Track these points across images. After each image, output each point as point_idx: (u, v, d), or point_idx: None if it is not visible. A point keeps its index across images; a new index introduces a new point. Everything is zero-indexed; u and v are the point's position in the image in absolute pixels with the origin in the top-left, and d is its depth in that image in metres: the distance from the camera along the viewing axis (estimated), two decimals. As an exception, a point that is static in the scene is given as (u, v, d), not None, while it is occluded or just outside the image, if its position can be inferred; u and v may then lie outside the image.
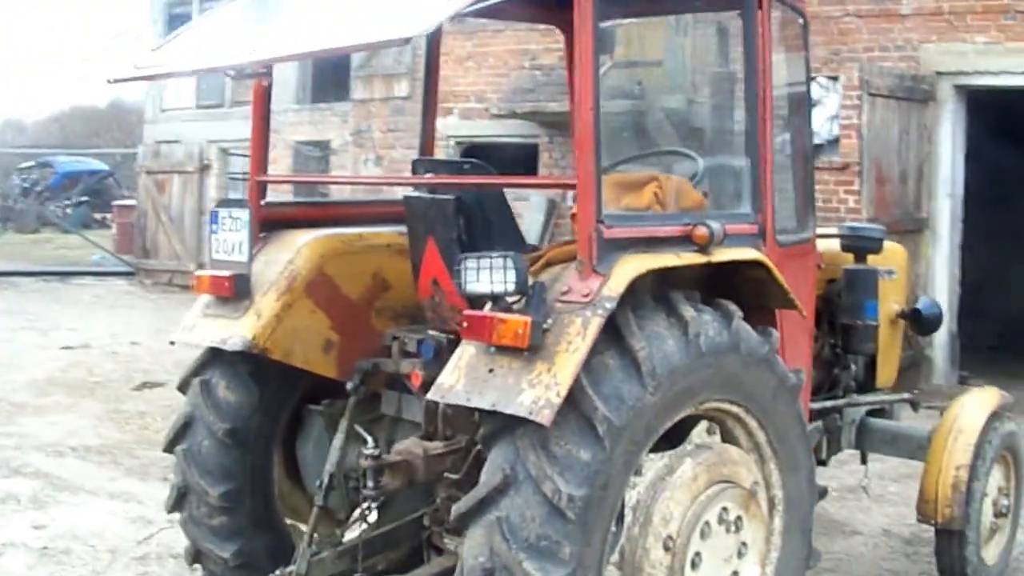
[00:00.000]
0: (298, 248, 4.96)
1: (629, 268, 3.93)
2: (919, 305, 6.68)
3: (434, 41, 5.84)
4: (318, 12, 4.41)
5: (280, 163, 20.37)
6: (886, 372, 6.67)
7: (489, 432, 3.94)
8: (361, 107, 18.69)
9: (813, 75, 13.81)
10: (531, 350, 3.78)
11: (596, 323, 3.79)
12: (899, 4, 13.03)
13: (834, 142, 13.67)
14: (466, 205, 4.59)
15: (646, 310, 4.03)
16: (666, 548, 4.06)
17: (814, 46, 13.89)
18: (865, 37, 13.06)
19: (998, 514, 6.20)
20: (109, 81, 4.70)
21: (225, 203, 5.01)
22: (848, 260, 6.24)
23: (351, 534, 5.33)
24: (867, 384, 6.55)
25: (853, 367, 6.41)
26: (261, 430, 5.09)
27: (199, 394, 5.03)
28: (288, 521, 5.35)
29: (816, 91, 13.94)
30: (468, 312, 3.95)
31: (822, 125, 13.88)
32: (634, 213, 4.40)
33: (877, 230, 6.36)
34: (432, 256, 4.72)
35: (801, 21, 5.33)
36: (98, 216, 34.13)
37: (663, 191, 4.56)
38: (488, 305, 4.00)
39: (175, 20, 22.84)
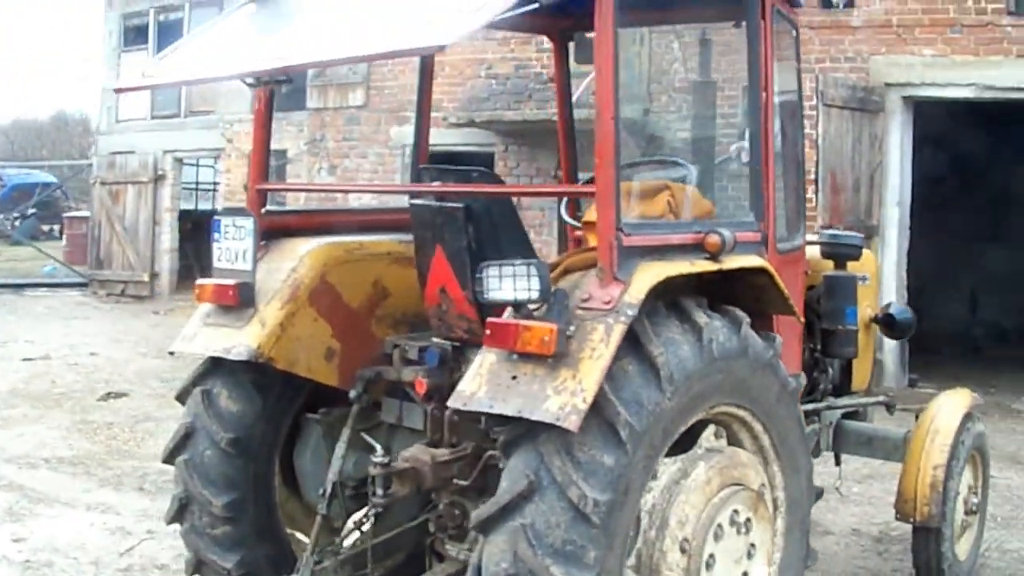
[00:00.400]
0: (301, 256, 4.87)
1: (648, 275, 3.91)
2: (892, 310, 6.72)
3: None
4: (338, 19, 4.33)
5: (235, 172, 20.19)
6: (860, 375, 6.70)
7: (510, 439, 3.89)
8: (316, 116, 18.59)
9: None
10: (555, 357, 3.75)
11: (619, 330, 3.77)
12: (850, 16, 13.18)
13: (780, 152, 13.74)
14: (475, 213, 4.53)
15: (659, 316, 4.01)
16: (682, 550, 4.04)
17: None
18: (817, 48, 13.17)
19: (968, 512, 6.27)
20: (116, 91, 4.61)
21: (228, 211, 4.91)
22: (828, 267, 6.26)
23: (348, 542, 5.25)
24: (843, 387, 6.58)
25: (830, 371, 6.44)
26: (263, 439, 4.99)
27: (200, 404, 4.92)
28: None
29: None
30: (492, 320, 3.90)
31: (776, 135, 13.97)
32: (650, 221, 4.37)
33: (856, 237, 6.40)
34: (440, 264, 4.66)
35: (793, 32, 5.35)
36: (45, 228, 33.70)
37: (676, 199, 4.55)
38: (507, 312, 3.96)
39: (131, 32, 22.66)
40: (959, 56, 12.71)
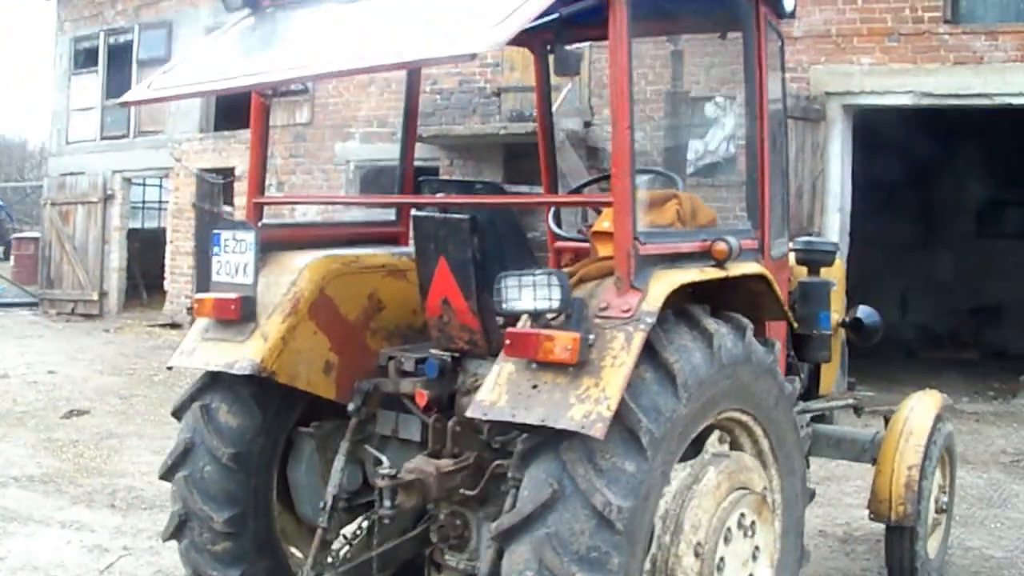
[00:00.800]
0: (300, 270, 4.76)
1: (664, 283, 3.88)
2: (860, 314, 6.72)
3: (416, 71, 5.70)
4: (351, 30, 4.23)
5: (183, 191, 19.95)
6: (828, 379, 6.70)
7: (528, 448, 3.83)
8: (264, 134, 18.34)
9: (711, 95, 14.16)
10: (577, 366, 3.69)
11: (639, 338, 3.72)
12: (791, 26, 13.24)
13: (731, 160, 13.82)
14: (480, 224, 4.46)
15: (670, 323, 3.97)
16: (696, 555, 3.98)
17: (712, 66, 14.19)
18: (759, 57, 13.19)
19: (939, 511, 6.28)
20: (121, 104, 4.48)
21: (228, 225, 4.78)
22: (802, 273, 6.25)
23: (343, 554, 5.13)
24: (812, 391, 6.57)
25: (802, 375, 6.43)
26: (262, 454, 4.85)
27: (200, 419, 4.78)
28: None
29: (712, 110, 14.10)
30: (512, 330, 3.84)
31: (719, 144, 14.04)
32: (661, 230, 4.33)
33: (830, 244, 6.42)
34: (443, 275, 4.57)
35: (779, 43, 5.33)
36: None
37: (684, 208, 4.50)
38: (522, 322, 3.89)
39: (81, 56, 22.31)
40: (897, 64, 12.86)
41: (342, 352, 4.88)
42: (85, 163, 21.74)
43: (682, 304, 4.08)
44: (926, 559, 6.05)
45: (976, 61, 12.61)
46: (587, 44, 12.66)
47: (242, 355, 4.57)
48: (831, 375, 6.74)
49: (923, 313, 17.39)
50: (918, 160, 15.92)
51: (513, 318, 4.56)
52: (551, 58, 6.24)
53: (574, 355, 3.67)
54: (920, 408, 6.16)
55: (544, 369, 3.77)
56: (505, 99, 16.00)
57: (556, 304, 3.73)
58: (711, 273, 4.14)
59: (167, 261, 20.40)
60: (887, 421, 6.29)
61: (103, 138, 21.63)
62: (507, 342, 3.83)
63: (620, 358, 3.68)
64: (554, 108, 7.00)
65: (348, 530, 5.16)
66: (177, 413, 4.94)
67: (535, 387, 3.76)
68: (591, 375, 3.69)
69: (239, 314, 4.61)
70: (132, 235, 21.96)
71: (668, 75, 13.96)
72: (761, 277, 4.49)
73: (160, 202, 25.40)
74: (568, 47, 5.51)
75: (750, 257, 4.53)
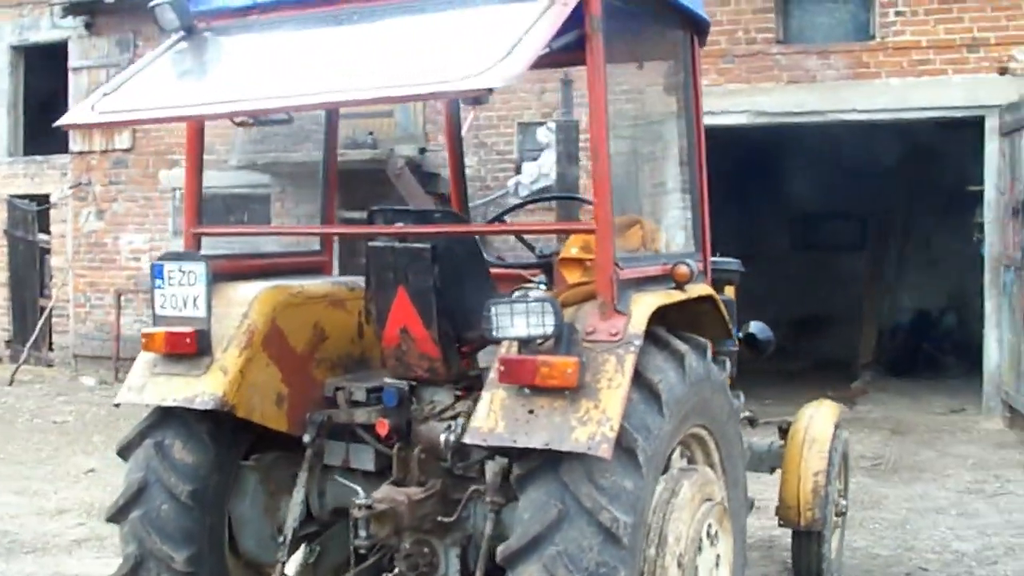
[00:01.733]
0: (250, 301, 4.74)
1: (643, 307, 4.07)
2: (753, 329, 7.03)
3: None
4: (333, 54, 4.23)
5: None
6: (728, 393, 7.00)
7: (526, 472, 3.94)
8: (80, 160, 17.83)
9: (544, 120, 14.47)
10: (574, 389, 3.83)
11: (631, 359, 3.89)
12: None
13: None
14: (440, 253, 4.54)
15: (645, 345, 4.14)
16: (679, 565, 4.15)
17: (543, 92, 14.52)
18: (598, 81, 13.50)
19: (838, 513, 6.63)
20: (57, 126, 4.33)
21: (171, 256, 4.71)
22: None
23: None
24: None
25: None
26: (217, 490, 4.79)
27: (154, 456, 4.68)
28: None
29: (545, 135, 14.40)
30: (506, 356, 3.95)
31: (552, 167, 14.29)
32: (633, 255, 4.50)
33: (735, 262, 6.68)
34: (402, 305, 4.62)
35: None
36: None
37: (646, 233, 4.70)
38: (504, 348, 4.01)
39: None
40: (732, 84, 13.40)
41: (292, 384, 4.87)
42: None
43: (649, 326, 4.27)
44: (830, 560, 6.38)
45: (809, 80, 13.24)
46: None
47: (202, 389, 4.53)
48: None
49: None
50: (745, 176, 16.59)
51: (473, 345, 4.68)
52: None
53: (573, 379, 3.81)
54: (819, 417, 6.48)
55: (539, 394, 3.89)
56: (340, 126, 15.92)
57: (550, 330, 3.86)
58: (677, 296, 4.35)
59: (-25, 293, 19.48)
60: (783, 431, 6.60)
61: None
62: (500, 369, 3.94)
63: (616, 380, 3.85)
64: (463, 131, 7.12)
65: (297, 561, 5.15)
66: (124, 452, 4.82)
67: (531, 412, 3.88)
68: (589, 398, 3.83)
69: (195, 348, 4.56)
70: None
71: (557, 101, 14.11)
72: (709, 298, 4.73)
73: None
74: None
75: (699, 279, 4.74)
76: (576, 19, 3.94)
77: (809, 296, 18.27)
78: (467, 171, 15.00)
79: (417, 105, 15.13)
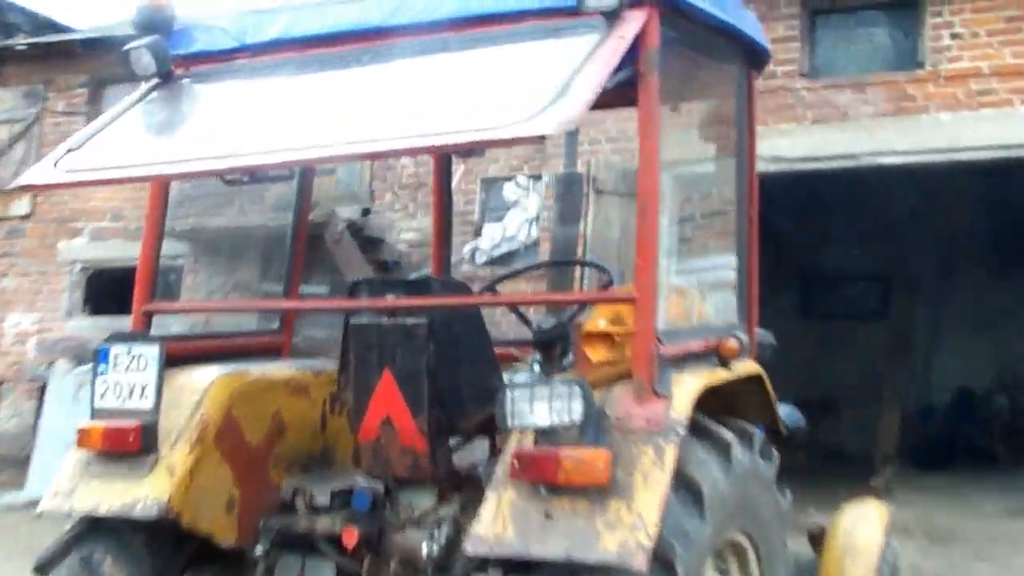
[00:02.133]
0: (204, 389, 4.64)
1: (686, 389, 3.97)
2: (780, 414, 6.95)
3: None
4: (346, 100, 4.19)
5: None
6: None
7: None
8: (-30, 227, 17.63)
9: (512, 175, 14.36)
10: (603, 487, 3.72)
11: (672, 452, 3.79)
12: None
13: (532, 247, 14.01)
14: (436, 329, 4.46)
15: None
16: None
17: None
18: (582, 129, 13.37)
19: None
20: (15, 187, 4.23)
21: (119, 337, 4.59)
22: None
23: None
24: None
25: None
26: None
27: (80, 574, 4.55)
28: None
29: (514, 191, 14.29)
30: (522, 450, 3.84)
31: (520, 228, 14.19)
32: (675, 328, 4.43)
33: (767, 335, 6.60)
34: (387, 390, 4.53)
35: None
36: None
37: (687, 302, 4.63)
38: (514, 439, 3.91)
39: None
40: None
41: (244, 486, 4.78)
42: None
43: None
44: None
45: (840, 118, 12.69)
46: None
47: (144, 494, 4.40)
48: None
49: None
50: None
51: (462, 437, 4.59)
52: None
53: (605, 476, 3.70)
54: (864, 522, 6.31)
55: (557, 494, 3.77)
56: (270, 186, 15.84)
57: (577, 418, 3.75)
58: (723, 375, 4.28)
59: None
60: (814, 538, 6.46)
61: None
62: (514, 463, 3.83)
63: (653, 476, 3.74)
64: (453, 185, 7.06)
65: None
66: (43, 568, 4.67)
67: (548, 516, 3.76)
68: (619, 497, 3.72)
69: (139, 445, 4.44)
70: None
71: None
72: (757, 377, 4.65)
73: None
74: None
75: (744, 354, 4.68)
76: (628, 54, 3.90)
77: (820, 374, 17.91)
78: (416, 234, 15.20)
79: (364, 163, 15.06)
